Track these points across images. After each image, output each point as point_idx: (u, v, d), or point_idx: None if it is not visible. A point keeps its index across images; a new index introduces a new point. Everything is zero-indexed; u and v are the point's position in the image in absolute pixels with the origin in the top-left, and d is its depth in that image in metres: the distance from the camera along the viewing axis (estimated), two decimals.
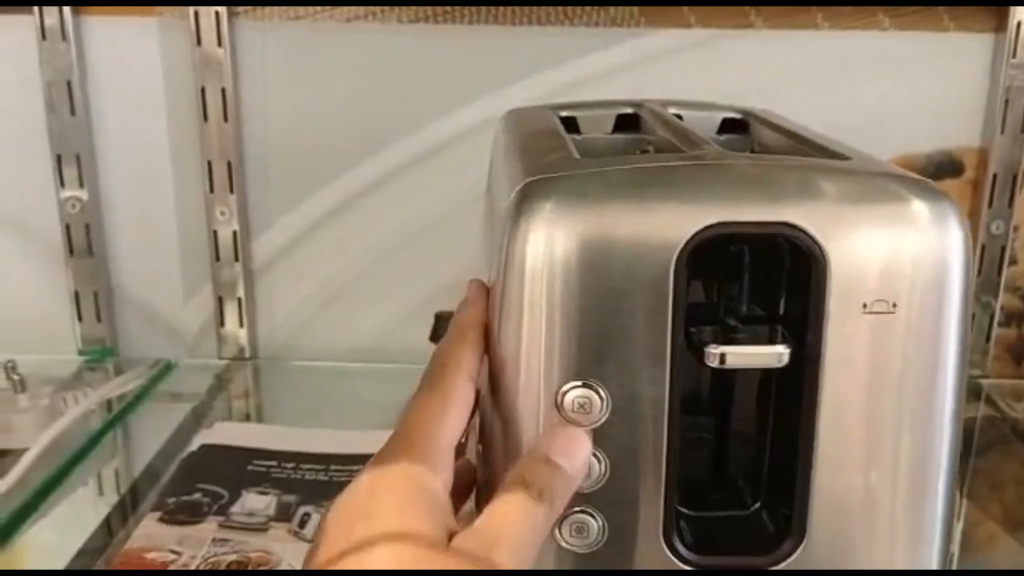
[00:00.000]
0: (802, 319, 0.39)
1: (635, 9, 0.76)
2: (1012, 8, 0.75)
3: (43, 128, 0.79)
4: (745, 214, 0.38)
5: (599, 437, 0.40)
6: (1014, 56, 0.76)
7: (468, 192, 0.82)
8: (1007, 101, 0.77)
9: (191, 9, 0.76)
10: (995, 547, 0.69)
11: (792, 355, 0.39)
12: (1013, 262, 0.82)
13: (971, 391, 0.85)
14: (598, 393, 0.39)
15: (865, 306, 0.39)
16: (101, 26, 0.78)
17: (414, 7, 0.76)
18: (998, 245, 0.81)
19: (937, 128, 0.79)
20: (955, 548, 0.68)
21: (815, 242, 0.38)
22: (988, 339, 0.84)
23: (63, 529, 0.63)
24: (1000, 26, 0.76)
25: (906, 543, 0.41)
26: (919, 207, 0.39)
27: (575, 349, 0.39)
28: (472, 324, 0.41)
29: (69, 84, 0.78)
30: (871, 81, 0.77)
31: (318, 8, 0.77)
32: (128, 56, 0.78)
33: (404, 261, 0.84)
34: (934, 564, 0.42)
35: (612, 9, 0.76)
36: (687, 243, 0.38)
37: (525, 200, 0.40)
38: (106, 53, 0.78)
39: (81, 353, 0.86)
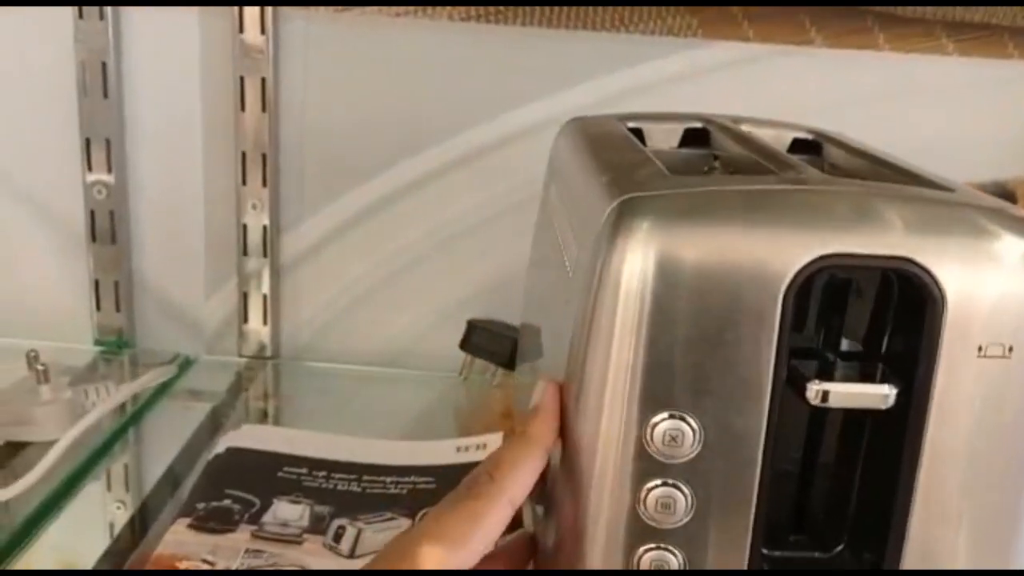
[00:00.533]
0: (910, 358, 0.37)
1: (693, 20, 0.74)
2: None
3: (74, 109, 0.76)
4: (859, 246, 0.36)
5: (687, 472, 0.38)
6: None
7: (506, 198, 0.79)
8: None
9: None
10: None
11: (897, 396, 0.37)
12: None
13: None
14: (690, 426, 0.37)
15: (980, 349, 0.37)
16: (141, 8, 0.75)
17: (466, 6, 0.74)
18: None
19: (992, 157, 0.77)
20: None
21: (933, 279, 0.36)
22: None
23: (85, 529, 0.61)
24: None
25: None
26: None
27: (669, 378, 0.37)
28: (538, 439, 0.39)
29: (104, 65, 0.75)
30: (929, 106, 0.76)
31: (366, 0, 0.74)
32: (167, 40, 0.76)
33: (437, 265, 0.82)
34: None
35: (669, 18, 0.74)
36: (797, 274, 0.36)
37: (623, 218, 0.37)
38: (144, 35, 0.76)
39: (97, 343, 0.83)
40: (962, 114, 0.76)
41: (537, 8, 0.74)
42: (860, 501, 0.40)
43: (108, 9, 0.74)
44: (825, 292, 0.39)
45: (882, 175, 0.48)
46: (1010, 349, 0.37)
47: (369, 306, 0.83)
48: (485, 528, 0.37)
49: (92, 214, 0.79)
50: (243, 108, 0.76)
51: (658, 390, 0.37)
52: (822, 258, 0.36)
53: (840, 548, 0.41)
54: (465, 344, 0.80)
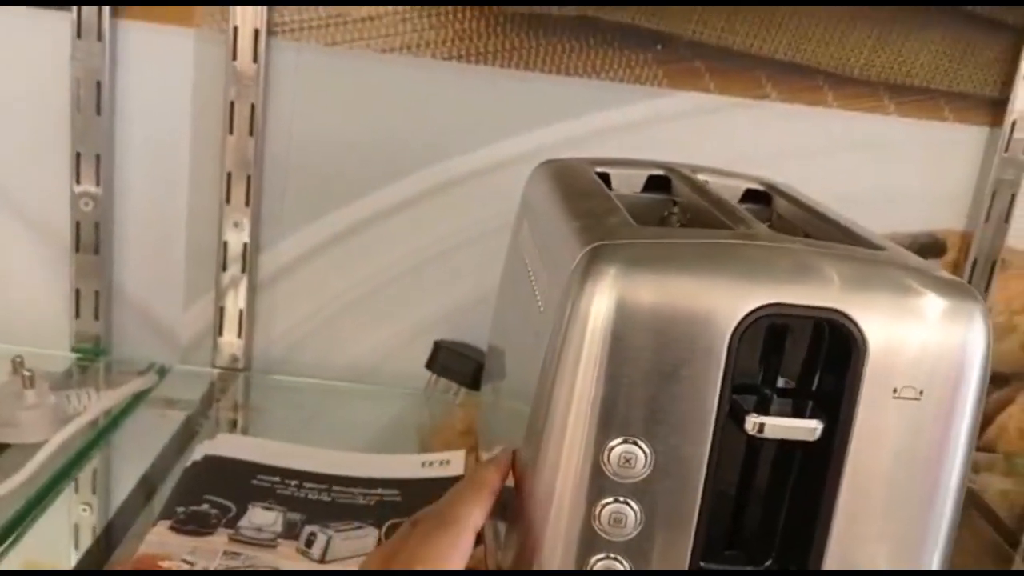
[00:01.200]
0: (836, 397, 0.42)
1: (658, 70, 0.79)
2: (1009, 104, 0.80)
3: (67, 124, 0.79)
4: (797, 297, 0.41)
5: (638, 491, 0.42)
6: (1006, 150, 0.81)
7: (476, 228, 0.84)
8: (995, 192, 0.82)
9: (231, 24, 0.77)
10: None
11: (823, 430, 0.42)
12: None
13: None
14: (643, 450, 0.42)
15: (895, 391, 0.42)
16: (138, 30, 0.78)
17: (448, 46, 0.79)
18: None
19: (926, 210, 0.83)
20: None
21: (859, 329, 0.41)
22: None
23: (62, 531, 0.64)
24: (996, 121, 0.81)
25: None
26: (953, 304, 0.42)
27: (625, 407, 0.42)
28: (491, 483, 0.46)
29: (99, 84, 0.78)
30: (870, 161, 0.82)
31: (355, 36, 0.79)
32: (161, 63, 0.79)
33: (407, 288, 0.86)
34: None
35: (637, 68, 0.79)
36: (743, 319, 0.41)
37: (592, 264, 0.42)
38: (139, 57, 0.79)
39: (74, 350, 0.86)
40: (900, 169, 0.82)
41: (515, 51, 0.79)
42: (788, 521, 0.45)
43: (106, 30, 0.77)
44: (766, 336, 0.44)
45: (822, 230, 0.54)
46: (921, 392, 0.42)
47: (340, 324, 0.87)
48: (461, 553, 0.43)
49: (78, 225, 0.82)
50: (231, 131, 0.80)
51: (616, 417, 0.42)
52: (765, 307, 0.41)
53: (769, 563, 0.46)
54: (431, 363, 0.85)
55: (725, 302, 0.41)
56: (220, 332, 0.86)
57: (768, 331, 0.44)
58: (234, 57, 0.78)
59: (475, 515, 0.44)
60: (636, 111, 0.80)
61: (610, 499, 0.42)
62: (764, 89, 0.80)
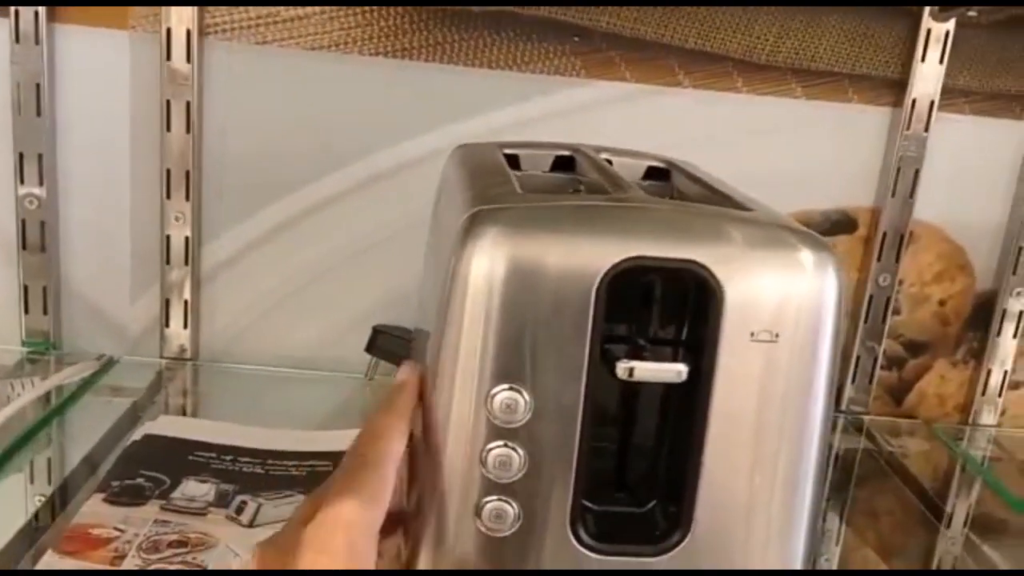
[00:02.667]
0: (700, 343, 0.46)
1: (576, 60, 0.83)
2: (909, 86, 0.84)
3: (8, 126, 0.82)
4: (658, 251, 0.45)
5: (521, 435, 0.46)
6: (908, 128, 0.85)
7: (410, 216, 0.87)
8: (899, 168, 0.86)
9: (163, 26, 0.81)
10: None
11: (690, 373, 0.46)
12: (896, 312, 0.92)
13: (854, 427, 0.94)
14: (523, 396, 0.45)
15: (752, 335, 0.46)
16: (75, 34, 0.82)
17: (375, 43, 0.82)
18: (884, 296, 0.90)
19: (835, 188, 0.88)
20: (834, 568, 0.76)
21: (714, 278, 0.45)
22: (871, 380, 0.93)
23: (3, 509, 0.66)
24: (897, 101, 0.86)
25: (778, 539, 0.48)
26: (805, 255, 0.46)
27: (506, 357, 0.45)
28: (401, 411, 0.47)
29: (38, 86, 0.81)
30: (781, 142, 0.86)
31: (285, 35, 0.82)
32: (98, 64, 0.82)
33: (345, 276, 0.89)
34: (800, 558, 0.49)
35: (555, 59, 0.83)
36: (607, 272, 0.44)
37: (472, 226, 0.46)
38: (77, 60, 0.82)
39: (25, 344, 0.89)
40: (809, 150, 0.86)
41: (439, 46, 0.83)
42: (668, 463, 0.49)
43: (43, 34, 0.80)
44: (638, 290, 0.48)
45: (708, 198, 0.58)
46: (777, 335, 0.46)
47: (283, 313, 0.90)
48: (386, 487, 0.44)
49: (23, 224, 0.85)
50: (168, 129, 0.83)
51: (497, 366, 0.45)
52: (627, 260, 0.44)
53: (653, 504, 0.50)
54: (370, 348, 0.88)
55: (591, 257, 0.45)
56: (167, 324, 0.89)
57: (640, 286, 0.48)
58: (168, 57, 0.81)
59: (394, 448, 0.45)
60: (557, 101, 0.84)
61: (496, 443, 0.46)
62: (677, 77, 0.84)
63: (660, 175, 0.68)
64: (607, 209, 0.48)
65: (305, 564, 0.40)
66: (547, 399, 0.46)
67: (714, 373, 0.46)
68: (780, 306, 0.46)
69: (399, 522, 0.51)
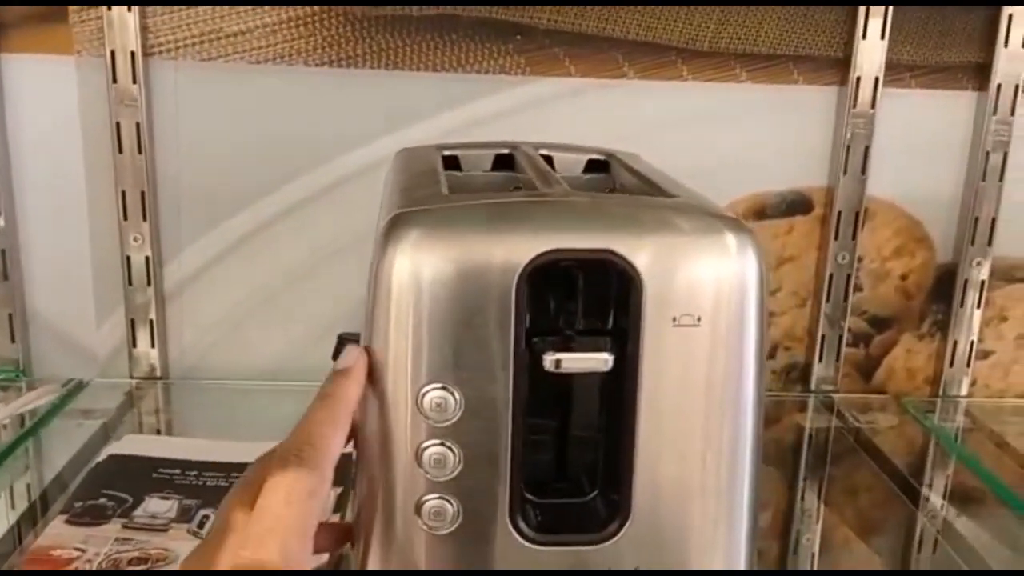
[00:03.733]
0: (624, 331, 0.47)
1: (520, 59, 0.84)
2: (852, 63, 0.85)
3: None
4: (575, 243, 0.46)
5: (454, 433, 0.46)
6: (855, 106, 0.86)
7: (368, 223, 0.87)
8: (849, 147, 0.87)
9: (107, 49, 0.81)
10: (850, 549, 0.77)
11: (616, 361, 0.46)
12: (859, 289, 0.92)
13: (824, 405, 0.94)
14: (453, 395, 0.46)
15: (675, 320, 0.46)
16: (21, 62, 0.82)
17: (320, 53, 0.83)
18: (844, 274, 0.90)
19: (789, 170, 0.88)
20: (815, 549, 0.76)
21: (631, 265, 0.45)
22: (838, 358, 0.93)
23: None
24: (842, 80, 0.86)
25: (720, 521, 0.49)
26: (722, 237, 0.46)
27: (433, 356, 0.46)
28: (344, 400, 0.46)
29: None
30: (730, 128, 0.86)
31: (229, 51, 0.83)
32: (46, 92, 0.83)
33: (309, 286, 0.90)
34: (743, 543, 0.50)
35: (500, 58, 0.84)
36: (526, 266, 0.45)
37: (392, 229, 0.46)
38: (25, 89, 0.83)
39: None
40: (759, 133, 0.87)
41: (383, 53, 0.83)
42: (605, 452, 0.50)
43: None
44: (565, 283, 0.48)
45: (641, 189, 0.58)
46: (699, 319, 0.46)
47: (250, 326, 0.91)
48: (322, 492, 0.43)
49: None
50: (120, 150, 0.84)
51: (424, 366, 0.46)
52: (546, 253, 0.45)
53: (595, 494, 0.50)
54: (336, 355, 0.88)
55: (511, 252, 0.45)
56: (134, 344, 0.90)
57: (565, 278, 0.48)
58: (114, 80, 0.82)
59: (334, 445, 0.44)
60: (504, 100, 0.85)
61: (430, 442, 0.46)
62: (622, 69, 0.84)
63: (601, 167, 0.69)
64: (524, 205, 0.48)
65: (231, 560, 0.40)
66: (477, 396, 0.46)
67: (639, 360, 0.46)
68: (700, 290, 0.46)
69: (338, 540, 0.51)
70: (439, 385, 0.46)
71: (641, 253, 0.46)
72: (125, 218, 0.86)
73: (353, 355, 0.47)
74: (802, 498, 0.84)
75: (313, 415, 0.46)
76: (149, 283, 0.88)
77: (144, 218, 0.86)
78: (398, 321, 0.46)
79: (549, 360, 0.46)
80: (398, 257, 0.46)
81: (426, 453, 0.46)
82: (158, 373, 0.91)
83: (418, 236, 0.46)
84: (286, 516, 0.41)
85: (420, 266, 0.45)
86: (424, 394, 0.46)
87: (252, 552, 0.40)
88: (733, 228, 0.47)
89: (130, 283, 0.88)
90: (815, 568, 0.74)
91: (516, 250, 0.45)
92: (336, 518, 0.64)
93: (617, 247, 0.45)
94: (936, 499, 0.81)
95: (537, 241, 0.45)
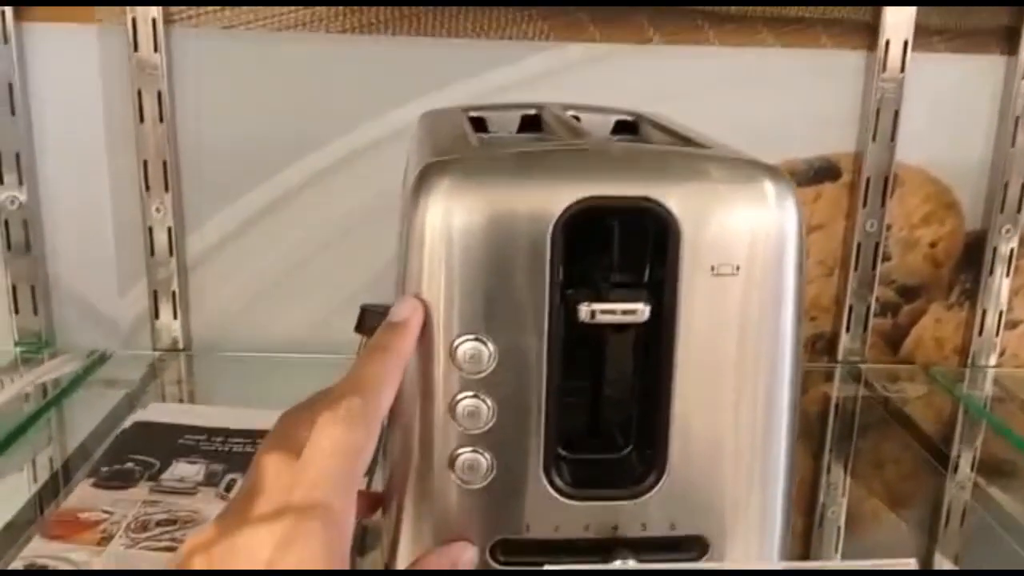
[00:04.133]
0: (661, 281, 0.46)
1: (543, 24, 0.83)
2: (881, 27, 0.84)
3: None
4: (611, 190, 0.45)
5: (487, 385, 0.45)
6: (884, 71, 0.85)
7: (392, 190, 0.87)
8: (878, 111, 0.86)
9: (128, 17, 0.81)
10: (879, 522, 0.76)
11: (652, 313, 0.45)
12: (887, 258, 0.91)
13: (851, 375, 0.93)
14: (486, 346, 0.45)
15: (713, 269, 0.45)
16: (43, 31, 0.82)
17: (341, 20, 0.82)
18: (872, 242, 0.89)
19: (817, 136, 0.87)
20: (841, 523, 0.75)
21: (669, 213, 0.44)
22: (866, 328, 0.92)
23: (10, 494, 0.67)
24: (871, 44, 0.85)
25: (753, 477, 0.48)
26: (762, 185, 0.46)
27: (466, 307, 0.45)
28: (399, 354, 0.44)
29: (11, 86, 0.82)
30: (757, 93, 0.85)
31: (251, 18, 0.82)
32: (68, 60, 0.83)
33: (332, 257, 0.89)
34: (779, 496, 0.49)
35: (523, 24, 0.83)
36: (561, 215, 0.44)
37: (424, 178, 0.46)
38: (47, 57, 0.83)
39: (17, 345, 0.89)
40: (787, 98, 0.86)
41: (404, 19, 0.82)
42: (641, 407, 0.49)
43: (12, 32, 0.81)
44: (597, 233, 0.48)
45: (671, 142, 0.57)
46: (738, 268, 0.45)
47: (272, 297, 0.91)
48: (369, 448, 0.41)
49: (7, 225, 0.86)
50: (142, 120, 0.83)
51: (458, 317, 0.45)
52: (580, 201, 0.44)
53: (629, 449, 0.49)
54: (359, 327, 0.87)
55: (544, 200, 0.44)
56: (157, 315, 0.90)
57: (600, 228, 0.48)
58: (136, 49, 0.81)
59: (384, 401, 0.42)
60: (528, 66, 0.84)
61: (463, 394, 0.46)
62: (647, 34, 0.83)
63: (629, 128, 0.68)
64: (558, 153, 0.47)
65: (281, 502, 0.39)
66: (511, 347, 0.45)
67: (676, 310, 0.45)
68: (739, 238, 0.45)
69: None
70: (472, 336, 0.45)
71: (678, 200, 0.45)
72: (147, 188, 0.85)
73: (409, 306, 0.45)
74: (829, 470, 0.83)
75: (365, 368, 0.44)
76: (171, 254, 0.88)
77: (166, 188, 0.85)
78: (431, 272, 0.45)
79: (584, 311, 0.45)
80: (430, 207, 0.45)
81: (460, 405, 0.46)
82: (180, 345, 0.91)
83: (450, 185, 0.45)
84: (334, 468, 0.39)
85: (452, 216, 0.45)
86: (457, 345, 0.45)
87: (305, 494, 0.38)
88: (772, 176, 0.46)
89: (152, 254, 0.88)
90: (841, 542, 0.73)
91: (550, 199, 0.44)
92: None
93: (654, 194, 0.45)
94: (966, 468, 0.80)
95: (572, 189, 0.44)
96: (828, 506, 0.77)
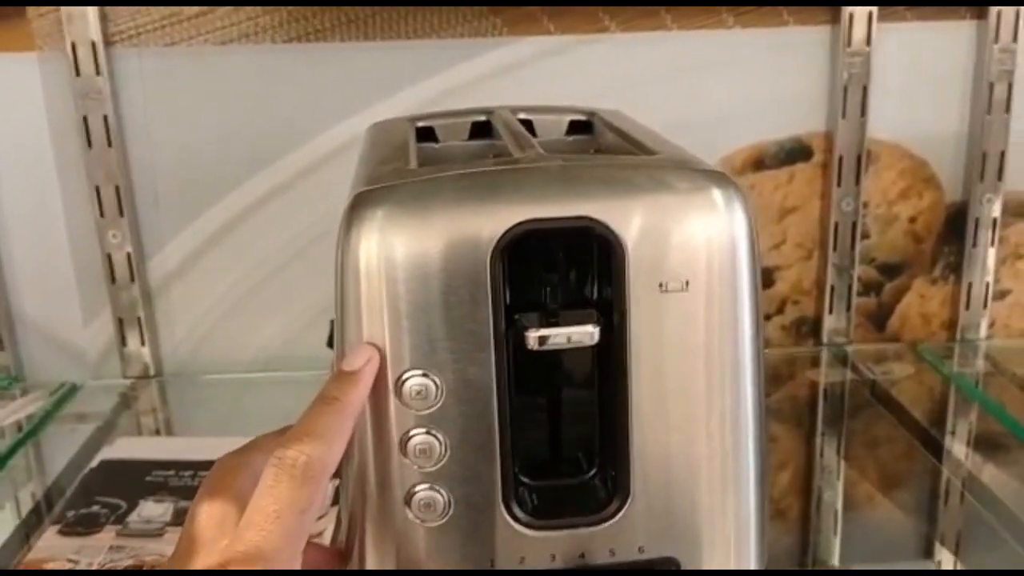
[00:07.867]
0: (609, 301, 0.44)
1: (497, 20, 0.80)
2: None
3: None
4: (550, 211, 0.43)
5: (438, 420, 0.44)
6: (849, 45, 0.82)
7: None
8: (846, 88, 0.83)
9: (68, 41, 0.78)
10: (874, 506, 0.74)
11: (603, 334, 0.43)
12: (866, 236, 0.89)
13: (837, 358, 0.91)
14: (433, 381, 0.43)
15: (661, 286, 0.43)
16: None
17: (286, 29, 0.80)
18: (849, 221, 0.87)
19: (786, 116, 0.85)
20: (838, 507, 0.74)
21: (611, 231, 0.42)
22: (849, 308, 0.90)
23: None
24: (835, 19, 0.82)
25: (722, 494, 0.46)
26: (706, 194, 0.43)
27: (409, 342, 0.43)
28: (351, 409, 0.42)
29: None
30: (721, 76, 0.83)
31: (192, 33, 0.80)
32: (10, 91, 0.81)
33: (297, 272, 0.87)
34: (751, 511, 0.47)
35: (475, 20, 0.80)
36: (499, 240, 0.42)
37: (355, 210, 0.44)
38: None
39: None
40: (752, 80, 0.83)
41: (352, 24, 0.80)
42: (600, 429, 0.47)
43: None
44: (544, 255, 0.46)
45: (623, 148, 0.55)
46: (687, 283, 0.43)
47: (239, 317, 0.89)
48: (317, 503, 0.39)
49: None
50: (90, 145, 0.81)
51: (401, 352, 0.43)
52: (519, 224, 0.42)
53: (592, 472, 0.48)
54: (331, 342, 0.86)
55: (482, 225, 0.42)
56: (124, 343, 0.88)
57: (543, 250, 0.45)
58: (77, 73, 0.79)
59: (333, 456, 0.40)
60: (483, 64, 0.81)
61: (415, 431, 0.44)
62: (603, 22, 0.81)
63: (584, 128, 0.65)
64: (494, 174, 0.45)
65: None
66: (459, 380, 0.43)
67: (627, 331, 0.43)
68: (686, 252, 0.43)
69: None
70: (418, 372, 0.43)
71: (620, 217, 0.43)
72: (102, 215, 0.83)
73: (363, 356, 0.43)
74: (821, 456, 0.81)
75: (314, 420, 0.41)
76: (133, 280, 0.86)
77: (121, 213, 0.83)
78: (369, 307, 0.43)
79: (532, 337, 0.43)
80: (363, 240, 0.43)
81: (411, 443, 0.44)
82: (151, 371, 0.89)
83: (383, 216, 0.43)
84: (277, 530, 0.37)
85: (387, 248, 0.43)
86: (403, 382, 0.43)
87: (244, 553, 0.37)
88: (717, 182, 0.44)
89: (113, 281, 0.86)
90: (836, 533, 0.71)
91: (487, 224, 0.42)
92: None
93: (594, 212, 0.42)
94: (959, 449, 0.79)
95: (509, 213, 0.42)
96: (823, 491, 0.75)
